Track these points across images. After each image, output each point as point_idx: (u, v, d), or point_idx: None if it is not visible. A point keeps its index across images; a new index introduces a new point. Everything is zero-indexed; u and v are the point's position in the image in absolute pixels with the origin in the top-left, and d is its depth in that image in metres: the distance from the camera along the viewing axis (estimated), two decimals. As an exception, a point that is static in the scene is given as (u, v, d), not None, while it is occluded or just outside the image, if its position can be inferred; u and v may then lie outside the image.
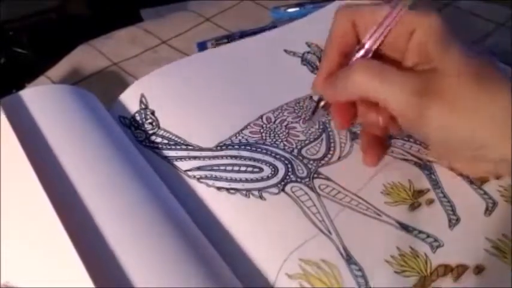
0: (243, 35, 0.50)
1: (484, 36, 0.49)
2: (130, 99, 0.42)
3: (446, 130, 0.30)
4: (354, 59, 0.33)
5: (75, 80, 0.47)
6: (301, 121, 0.39)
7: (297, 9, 0.53)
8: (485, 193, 0.34)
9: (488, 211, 0.33)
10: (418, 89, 0.30)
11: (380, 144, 0.37)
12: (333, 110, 0.35)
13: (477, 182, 0.35)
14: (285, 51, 0.47)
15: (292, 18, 0.52)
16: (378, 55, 0.33)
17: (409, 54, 0.32)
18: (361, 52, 0.33)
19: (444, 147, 0.34)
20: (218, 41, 0.50)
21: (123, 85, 0.45)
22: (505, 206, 0.33)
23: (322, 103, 0.35)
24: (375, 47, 0.33)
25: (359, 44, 0.33)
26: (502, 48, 0.46)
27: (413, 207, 0.33)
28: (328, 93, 0.34)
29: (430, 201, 0.34)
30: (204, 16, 0.54)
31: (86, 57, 0.50)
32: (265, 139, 0.38)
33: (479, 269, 0.30)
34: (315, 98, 0.36)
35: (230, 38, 0.50)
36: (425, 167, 0.36)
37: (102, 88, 0.44)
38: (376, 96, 0.31)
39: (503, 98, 0.29)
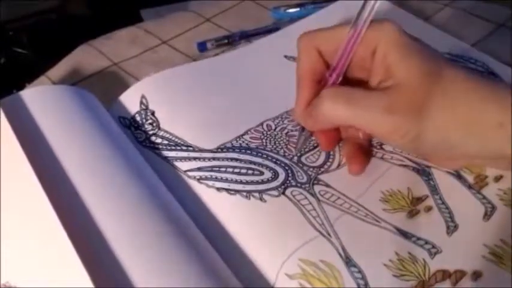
0: (243, 35, 0.50)
1: (484, 37, 0.49)
2: (130, 100, 0.42)
3: (418, 139, 0.31)
4: (326, 86, 0.34)
5: (75, 80, 0.47)
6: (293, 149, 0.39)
7: (298, 9, 0.53)
8: (484, 197, 0.34)
9: (487, 216, 0.33)
10: (385, 108, 0.31)
11: (363, 152, 0.37)
12: (316, 135, 0.37)
13: (476, 187, 0.35)
14: (285, 57, 0.47)
15: (292, 18, 0.52)
16: (347, 77, 0.35)
17: (374, 72, 0.33)
18: (333, 77, 0.34)
19: (420, 153, 0.35)
20: (218, 41, 0.50)
21: (123, 85, 0.45)
22: (504, 210, 0.34)
23: (304, 132, 0.37)
24: (343, 70, 0.34)
25: (328, 68, 0.34)
26: (501, 48, 0.46)
27: (412, 214, 0.34)
28: (308, 123, 0.35)
29: (429, 208, 0.34)
30: (204, 16, 0.54)
31: (86, 57, 0.50)
32: (266, 145, 0.38)
33: (476, 275, 0.30)
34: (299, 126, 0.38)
35: (230, 38, 0.50)
36: (424, 172, 0.36)
37: (102, 88, 0.44)
38: (347, 122, 0.33)
39: (465, 96, 0.31)
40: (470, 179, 0.35)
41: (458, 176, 0.36)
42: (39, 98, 0.38)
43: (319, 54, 0.34)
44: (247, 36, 0.50)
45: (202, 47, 0.50)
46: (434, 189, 0.35)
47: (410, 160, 0.37)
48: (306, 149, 0.38)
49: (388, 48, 0.32)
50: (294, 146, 0.38)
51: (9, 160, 0.33)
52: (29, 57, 0.54)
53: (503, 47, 0.47)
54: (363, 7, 0.32)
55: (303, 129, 0.37)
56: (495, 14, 0.51)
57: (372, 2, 0.32)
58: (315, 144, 0.38)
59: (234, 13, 0.55)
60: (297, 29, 0.49)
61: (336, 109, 0.32)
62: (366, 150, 0.37)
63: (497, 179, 0.35)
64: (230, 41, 0.50)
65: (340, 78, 0.34)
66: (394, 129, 0.31)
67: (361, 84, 0.34)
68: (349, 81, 0.35)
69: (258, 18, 0.53)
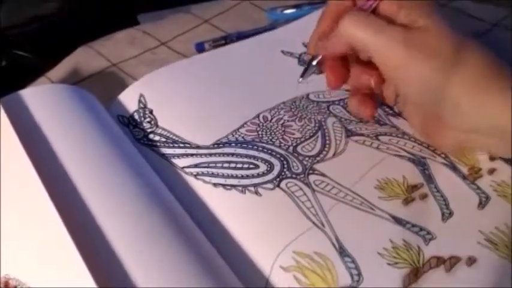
0: (240, 36, 0.51)
1: (478, 36, 0.49)
2: (129, 99, 0.43)
3: (422, 83, 0.31)
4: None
5: (75, 80, 0.48)
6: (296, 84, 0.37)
7: (294, 10, 0.53)
8: (478, 188, 0.34)
9: (481, 205, 0.33)
10: (404, 40, 0.31)
11: (373, 99, 0.37)
12: (327, 67, 0.36)
13: (470, 178, 0.35)
14: (282, 52, 0.47)
15: (288, 19, 0.52)
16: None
17: (401, 13, 0.33)
18: (369, 3, 0.34)
19: (417, 104, 0.34)
20: (216, 42, 0.51)
21: (122, 85, 0.45)
22: (497, 200, 0.34)
23: (315, 61, 0.36)
24: (373, 4, 0.33)
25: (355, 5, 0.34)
26: (496, 48, 0.47)
27: (407, 201, 0.34)
28: (322, 45, 0.35)
29: (424, 196, 0.34)
30: (202, 18, 0.55)
31: (85, 58, 0.50)
32: (262, 137, 0.39)
33: (471, 261, 0.30)
34: (308, 58, 0.37)
35: (227, 39, 0.51)
36: (420, 162, 0.36)
37: (101, 88, 0.45)
38: (363, 45, 0.33)
39: (477, 63, 0.31)
40: (464, 170, 0.36)
41: (453, 167, 0.36)
42: (39, 96, 0.39)
43: None
44: (244, 37, 0.51)
45: (200, 47, 0.50)
46: (429, 179, 0.35)
47: (406, 151, 0.37)
48: (302, 139, 0.39)
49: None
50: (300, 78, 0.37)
51: (9, 157, 0.34)
52: (29, 60, 0.54)
53: (498, 46, 0.47)
54: None
55: (312, 58, 0.36)
56: (489, 14, 0.52)
57: None
58: (312, 134, 0.39)
59: (232, 14, 0.55)
60: (293, 27, 0.50)
61: (356, 28, 0.32)
62: (373, 98, 0.37)
63: (491, 171, 0.35)
64: (227, 41, 0.51)
65: (374, 5, 0.34)
66: (404, 64, 0.31)
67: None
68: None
69: (255, 19, 0.54)
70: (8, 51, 0.54)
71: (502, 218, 0.33)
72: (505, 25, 0.50)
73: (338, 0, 0.35)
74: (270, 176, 0.36)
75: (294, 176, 0.36)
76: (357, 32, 0.32)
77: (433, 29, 0.31)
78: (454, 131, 0.33)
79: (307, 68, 0.36)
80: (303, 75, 0.36)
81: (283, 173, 0.36)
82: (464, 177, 0.35)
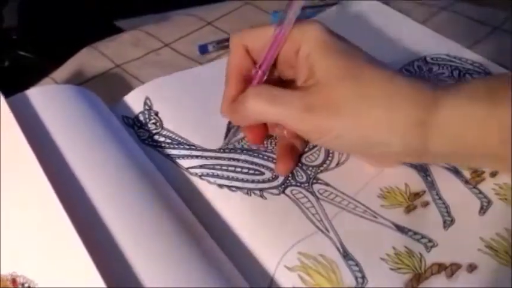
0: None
1: (479, 39, 0.50)
2: (134, 101, 0.43)
3: (338, 138, 0.32)
4: (252, 83, 0.35)
5: (79, 81, 0.48)
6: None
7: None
8: (480, 192, 0.35)
9: (483, 210, 0.34)
10: (304, 106, 0.31)
11: (292, 153, 0.37)
12: (244, 130, 0.38)
13: (472, 182, 0.36)
14: None
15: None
16: (276, 76, 0.36)
17: (299, 71, 0.34)
18: (258, 73, 0.35)
19: (344, 151, 0.36)
20: (219, 43, 0.51)
21: (126, 86, 0.46)
22: (499, 205, 0.34)
23: (232, 125, 0.38)
24: (268, 67, 0.35)
25: (255, 66, 0.35)
26: (497, 51, 0.47)
27: (409, 209, 0.34)
28: (233, 118, 0.36)
29: (426, 204, 0.35)
30: (205, 20, 0.55)
31: (89, 59, 0.50)
32: (267, 146, 0.39)
33: (472, 267, 0.31)
34: (226, 120, 0.39)
35: (231, 41, 0.51)
36: (421, 169, 0.37)
37: (105, 89, 0.45)
38: (269, 119, 0.34)
39: (384, 96, 0.31)
40: (467, 174, 0.36)
41: (456, 172, 0.36)
42: (44, 96, 0.39)
43: (247, 52, 0.36)
44: (248, 39, 0.51)
45: (203, 49, 0.51)
46: (431, 185, 0.36)
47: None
48: (306, 149, 0.39)
49: (310, 47, 0.32)
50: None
51: (16, 156, 0.34)
52: (32, 60, 0.55)
53: (499, 49, 0.48)
54: (289, 6, 0.33)
55: (229, 122, 0.39)
56: (490, 17, 0.52)
57: (298, 1, 0.33)
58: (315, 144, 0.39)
59: (235, 17, 0.55)
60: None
61: (259, 106, 0.33)
62: (295, 151, 0.38)
63: (494, 174, 0.36)
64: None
65: (265, 76, 0.35)
66: (313, 128, 0.32)
67: (289, 83, 0.35)
68: (278, 80, 0.36)
69: (258, 21, 0.54)
70: (10, 51, 0.54)
71: (502, 224, 0.33)
72: (505, 28, 0.51)
73: (237, 61, 0.36)
74: (275, 183, 0.36)
75: (298, 184, 0.36)
76: (262, 110, 0.33)
77: (323, 83, 0.32)
78: (386, 157, 0.35)
79: (227, 132, 0.39)
80: (225, 138, 0.39)
81: (287, 181, 0.36)
82: (466, 182, 0.36)
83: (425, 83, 0.31)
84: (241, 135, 0.39)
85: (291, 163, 0.37)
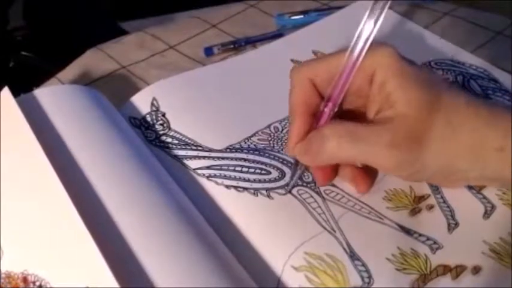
0: (249, 41, 0.52)
1: (483, 44, 0.50)
2: (141, 102, 0.43)
3: (421, 170, 0.31)
4: (322, 118, 0.33)
5: (85, 82, 0.48)
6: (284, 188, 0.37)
7: (302, 16, 0.54)
8: (484, 197, 0.35)
9: (487, 214, 0.34)
10: (388, 143, 0.30)
11: (365, 171, 0.35)
12: (315, 170, 0.36)
13: (476, 187, 0.36)
14: (292, 60, 0.48)
15: (296, 25, 0.53)
16: (342, 106, 0.33)
17: (372, 100, 0.32)
18: (328, 108, 0.33)
19: (423, 181, 0.36)
20: (224, 46, 0.51)
21: (132, 87, 0.46)
22: (503, 210, 0.35)
23: (299, 166, 0.35)
24: (340, 100, 0.33)
25: (323, 99, 0.33)
26: (500, 56, 0.48)
27: (414, 212, 0.35)
28: (305, 159, 0.34)
29: (430, 207, 0.35)
30: (210, 23, 0.55)
31: (94, 60, 0.51)
32: (273, 146, 0.39)
33: (476, 270, 0.31)
34: (293, 159, 0.37)
35: (236, 43, 0.52)
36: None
37: (111, 90, 0.45)
38: (352, 160, 0.33)
39: (466, 123, 0.30)
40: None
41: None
42: (53, 96, 0.40)
43: (313, 85, 0.33)
44: (253, 41, 0.52)
45: (208, 51, 0.51)
46: (436, 189, 0.36)
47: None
48: None
49: (386, 75, 0.31)
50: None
51: (27, 155, 0.34)
52: (37, 61, 0.55)
53: (502, 54, 0.48)
54: (359, 34, 0.31)
55: (297, 162, 0.35)
56: (494, 22, 0.53)
57: (371, 27, 0.31)
58: None
59: (240, 19, 0.56)
60: (301, 35, 0.51)
61: (341, 148, 0.31)
62: (367, 169, 0.35)
63: None
64: (236, 46, 0.51)
65: (336, 109, 0.33)
66: (398, 164, 0.31)
67: (357, 113, 0.34)
68: (344, 111, 0.34)
69: (263, 24, 0.55)
70: (15, 52, 0.54)
71: (506, 228, 0.34)
72: (508, 34, 0.51)
73: (302, 97, 0.33)
74: (281, 182, 0.37)
75: (305, 184, 0.37)
76: (344, 152, 0.31)
77: (405, 116, 0.30)
78: (457, 181, 0.34)
79: (293, 174, 0.36)
80: (292, 178, 0.36)
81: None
82: (470, 187, 0.36)
83: (502, 107, 0.31)
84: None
85: (369, 179, 0.35)
